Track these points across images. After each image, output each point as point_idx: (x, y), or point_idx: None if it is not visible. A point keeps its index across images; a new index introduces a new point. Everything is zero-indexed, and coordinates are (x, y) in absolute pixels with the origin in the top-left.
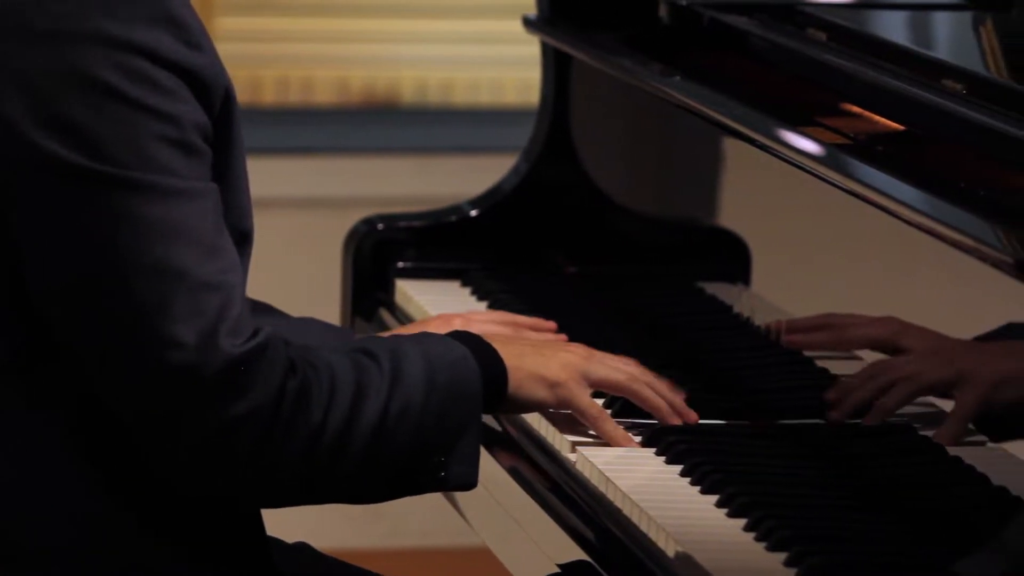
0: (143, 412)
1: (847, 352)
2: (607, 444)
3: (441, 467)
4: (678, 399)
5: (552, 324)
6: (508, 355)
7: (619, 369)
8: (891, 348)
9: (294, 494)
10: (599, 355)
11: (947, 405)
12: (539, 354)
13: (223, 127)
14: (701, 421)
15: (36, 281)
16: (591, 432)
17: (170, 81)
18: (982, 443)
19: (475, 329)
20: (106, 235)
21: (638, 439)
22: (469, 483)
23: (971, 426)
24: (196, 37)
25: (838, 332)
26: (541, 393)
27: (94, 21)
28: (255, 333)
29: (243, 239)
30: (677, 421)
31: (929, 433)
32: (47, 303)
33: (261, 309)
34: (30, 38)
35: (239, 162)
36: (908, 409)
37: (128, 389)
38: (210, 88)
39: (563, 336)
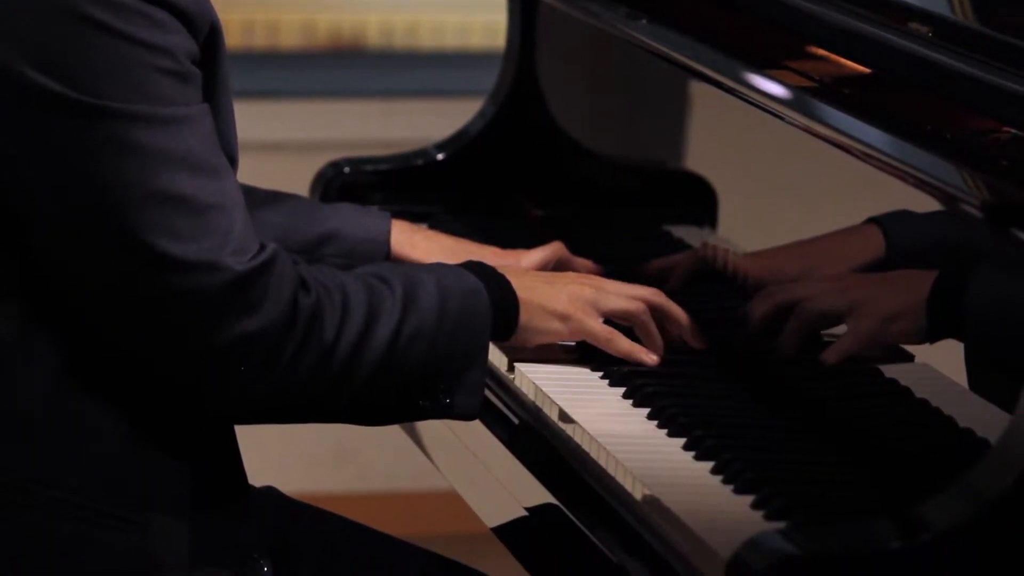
0: (155, 336)
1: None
2: (575, 388)
3: (447, 394)
4: (690, 327)
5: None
6: (520, 287)
7: (629, 297)
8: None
9: (302, 410)
10: (609, 285)
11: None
12: (550, 286)
13: (209, 61)
14: (668, 365)
15: (37, 217)
16: (558, 375)
17: (159, 14)
18: (949, 384)
19: (523, 263)
20: (111, 167)
21: (604, 383)
22: (472, 413)
23: (937, 366)
24: None
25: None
26: (553, 325)
27: None
28: (261, 249)
29: (230, 164)
30: (697, 344)
31: (896, 376)
32: (50, 239)
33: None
34: None
35: (225, 93)
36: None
37: (139, 315)
38: (196, 21)
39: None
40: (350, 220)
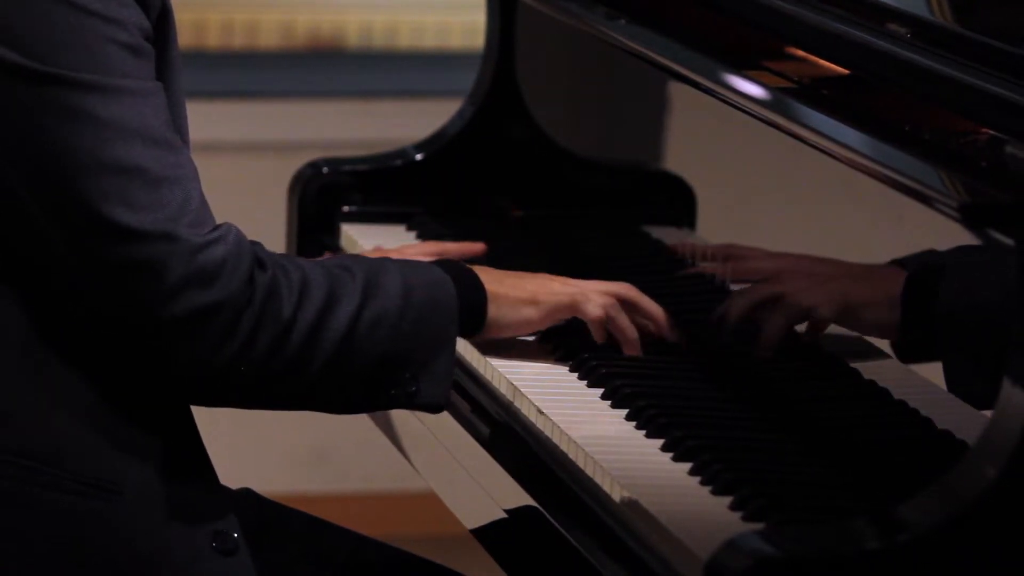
0: (113, 305)
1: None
2: (553, 389)
3: (412, 382)
4: (663, 321)
5: (480, 247)
6: (487, 280)
7: (599, 292)
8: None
9: (265, 393)
10: (577, 281)
11: (884, 344)
12: (518, 278)
13: (160, 42)
14: (646, 365)
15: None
16: (536, 376)
17: None
18: (927, 386)
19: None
20: (66, 137)
21: (583, 383)
22: (439, 403)
23: (915, 368)
24: None
25: (735, 264)
26: (525, 312)
27: None
28: (216, 227)
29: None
30: (673, 336)
31: (874, 377)
32: (10, 206)
33: None
34: None
35: (176, 77)
36: (848, 350)
37: (97, 286)
38: (148, 1)
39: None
40: None
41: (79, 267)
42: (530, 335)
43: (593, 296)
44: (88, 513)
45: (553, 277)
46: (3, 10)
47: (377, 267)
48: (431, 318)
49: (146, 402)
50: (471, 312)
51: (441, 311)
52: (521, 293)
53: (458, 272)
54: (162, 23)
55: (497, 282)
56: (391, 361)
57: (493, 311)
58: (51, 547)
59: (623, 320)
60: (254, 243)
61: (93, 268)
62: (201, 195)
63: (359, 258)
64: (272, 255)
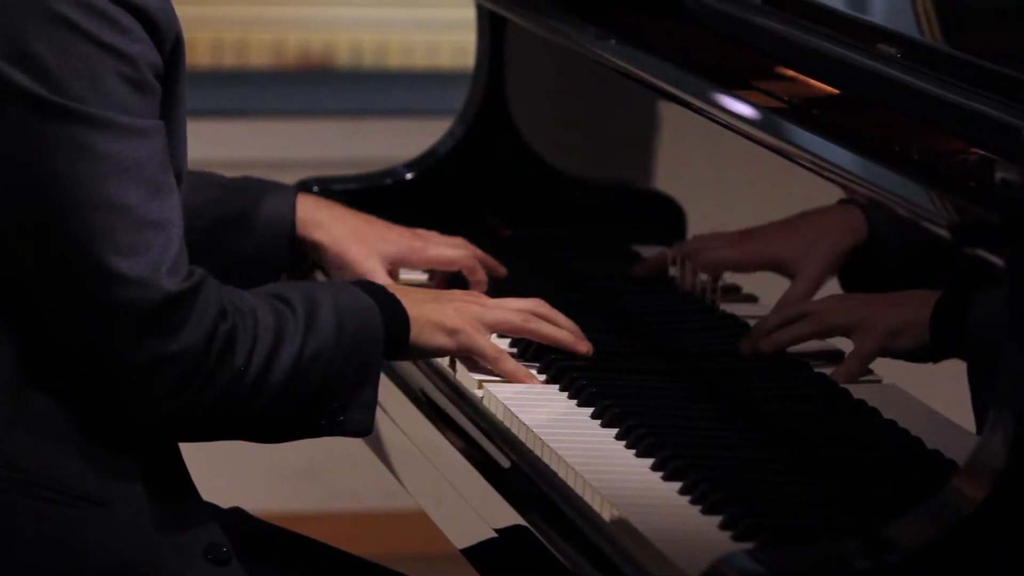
0: (79, 339)
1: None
2: (543, 408)
3: (340, 411)
4: (573, 336)
5: (502, 271)
6: (409, 303)
7: (514, 311)
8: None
9: (208, 429)
10: (493, 301)
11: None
12: (436, 302)
13: (170, 72)
14: (636, 385)
15: None
16: (526, 395)
17: (126, 19)
18: (917, 407)
19: (432, 252)
20: (62, 166)
21: (573, 402)
22: (365, 429)
23: (899, 384)
24: None
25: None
26: (441, 340)
27: None
28: (191, 273)
29: (177, 179)
30: (583, 349)
31: (863, 396)
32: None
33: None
34: None
35: (181, 106)
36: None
37: (69, 317)
38: (162, 30)
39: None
40: (256, 200)
41: (55, 299)
42: (519, 355)
43: (503, 312)
44: (79, 521)
45: (470, 298)
46: (22, 32)
47: (313, 298)
48: (360, 348)
49: (123, 426)
50: (394, 336)
51: (369, 339)
52: (443, 319)
53: (381, 296)
54: (175, 55)
55: (417, 305)
56: (324, 392)
57: (413, 336)
58: (45, 553)
59: (544, 329)
60: (219, 285)
61: (66, 303)
62: (181, 241)
63: (295, 287)
64: (232, 299)
